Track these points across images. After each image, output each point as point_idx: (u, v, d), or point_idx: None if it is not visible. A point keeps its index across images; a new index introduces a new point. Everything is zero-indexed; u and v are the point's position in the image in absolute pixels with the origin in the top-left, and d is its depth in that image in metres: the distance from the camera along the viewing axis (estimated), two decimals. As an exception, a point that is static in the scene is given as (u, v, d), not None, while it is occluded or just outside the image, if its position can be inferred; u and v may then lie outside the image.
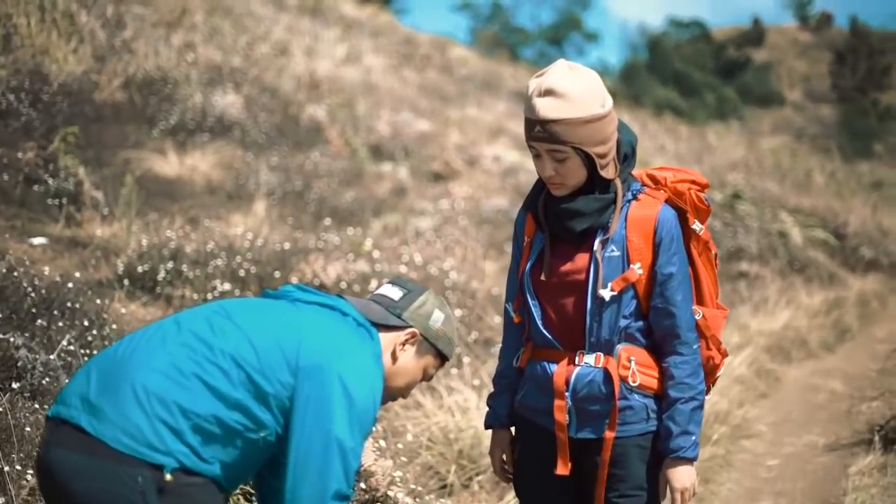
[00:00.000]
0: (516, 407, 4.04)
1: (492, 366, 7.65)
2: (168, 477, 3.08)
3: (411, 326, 3.56)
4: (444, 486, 6.33)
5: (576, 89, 3.64)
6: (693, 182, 3.89)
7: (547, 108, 3.63)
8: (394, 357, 3.54)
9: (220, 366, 3.18)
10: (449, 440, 6.49)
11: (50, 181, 9.53)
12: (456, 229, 11.39)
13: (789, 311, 12.07)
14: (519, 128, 18.79)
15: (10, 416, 4.84)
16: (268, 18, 21.09)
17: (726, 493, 7.22)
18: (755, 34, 72.25)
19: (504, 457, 4.15)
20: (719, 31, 72.15)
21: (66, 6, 13.94)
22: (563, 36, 61.94)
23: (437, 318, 3.61)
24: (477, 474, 6.38)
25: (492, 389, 4.21)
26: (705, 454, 7.34)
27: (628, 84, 51.64)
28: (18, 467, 4.45)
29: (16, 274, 6.76)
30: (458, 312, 8.20)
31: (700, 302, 3.94)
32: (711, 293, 3.98)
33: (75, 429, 3.10)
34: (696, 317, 3.88)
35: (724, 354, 4.05)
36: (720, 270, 11.58)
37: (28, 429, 4.84)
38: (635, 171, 3.93)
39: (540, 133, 3.66)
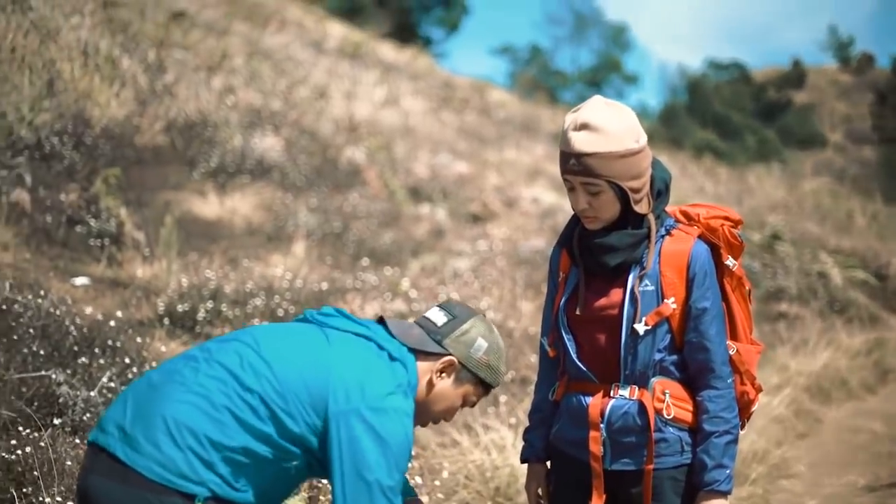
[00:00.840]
0: (552, 440, 4.07)
1: (528, 404, 7.66)
2: None
3: (450, 354, 3.56)
4: (481, 524, 6.35)
5: (611, 124, 3.68)
6: (726, 218, 3.92)
7: (582, 142, 3.66)
8: (430, 385, 3.56)
9: (248, 402, 3.23)
10: (485, 478, 6.50)
11: (92, 222, 9.66)
12: (493, 269, 11.42)
13: (829, 351, 11.98)
14: (557, 169, 18.85)
15: (51, 451, 4.89)
16: (307, 62, 21.26)
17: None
18: (795, 76, 72.14)
19: (539, 491, 4.16)
20: (759, 73, 72.07)
21: (109, 51, 14.13)
22: (603, 78, 62.10)
23: (480, 346, 3.61)
24: (516, 511, 6.39)
25: (528, 424, 4.25)
26: (743, 493, 7.30)
27: (668, 126, 51.69)
28: (59, 499, 4.51)
29: (58, 312, 6.85)
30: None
31: (734, 337, 3.96)
32: (745, 328, 4.00)
33: (111, 457, 3.16)
34: (730, 352, 3.90)
35: (759, 389, 4.05)
36: (759, 309, 11.53)
37: (69, 463, 4.91)
38: (668, 208, 3.97)
39: (575, 166, 3.69)
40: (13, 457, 4.90)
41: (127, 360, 6.43)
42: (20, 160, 10.28)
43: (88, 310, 7.25)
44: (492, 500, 6.42)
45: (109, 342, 6.69)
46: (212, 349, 3.37)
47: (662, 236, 3.85)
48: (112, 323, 6.96)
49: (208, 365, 3.30)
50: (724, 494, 3.80)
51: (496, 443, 6.80)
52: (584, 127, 3.67)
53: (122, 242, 9.71)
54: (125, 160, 11.78)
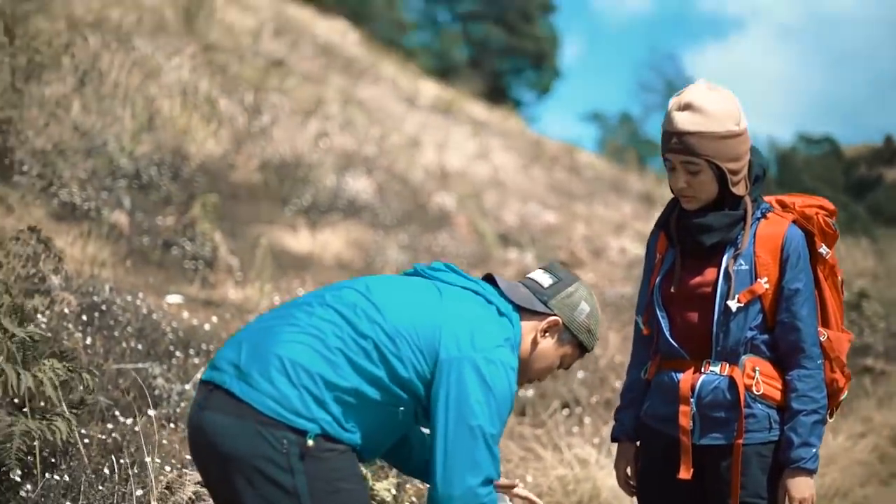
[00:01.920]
0: (642, 417, 4.15)
1: (611, 427, 7.73)
2: (310, 442, 3.20)
3: (555, 315, 3.63)
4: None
5: (713, 105, 3.80)
6: (821, 207, 4.01)
7: (684, 121, 3.78)
8: (534, 343, 3.62)
9: (361, 345, 3.31)
10: (567, 491, 6.56)
11: (187, 245, 9.89)
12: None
13: (916, 406, 11.84)
14: (645, 226, 18.90)
15: (153, 433, 5.03)
16: (400, 114, 21.55)
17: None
18: (887, 152, 71.11)
19: (628, 470, 4.25)
20: (850, 149, 71.17)
21: (208, 92, 14.51)
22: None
23: (583, 309, 3.66)
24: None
25: (619, 404, 4.34)
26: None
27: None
28: (158, 460, 4.64)
29: (154, 316, 7.05)
30: (580, 374, 8.33)
31: (825, 324, 4.02)
32: (837, 317, 4.05)
33: (226, 393, 3.25)
34: (821, 338, 3.96)
35: (848, 378, 4.10)
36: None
37: (164, 442, 5.07)
38: (765, 198, 4.07)
39: (676, 145, 3.82)
40: (109, 439, 5.04)
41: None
42: (120, 183, 10.59)
43: (185, 314, 7.43)
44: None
45: (203, 345, 6.87)
46: (325, 295, 3.47)
47: (758, 219, 3.94)
48: (207, 327, 7.14)
49: (322, 309, 3.39)
50: (810, 472, 3.85)
51: (579, 458, 6.86)
52: (687, 107, 3.80)
53: (216, 266, 9.92)
54: (219, 194, 12.02)
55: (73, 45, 11.51)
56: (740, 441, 3.88)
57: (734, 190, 3.87)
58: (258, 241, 11.02)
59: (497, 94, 41.88)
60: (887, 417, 11.13)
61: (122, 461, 4.56)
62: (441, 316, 3.42)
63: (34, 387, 4.19)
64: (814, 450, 3.85)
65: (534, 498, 3.84)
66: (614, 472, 5.95)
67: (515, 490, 3.81)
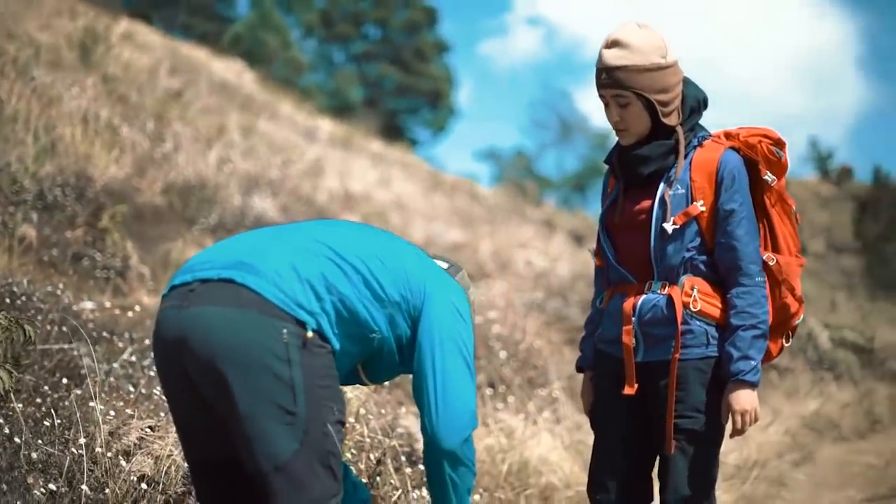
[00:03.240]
0: (595, 343, 4.35)
1: (535, 403, 7.86)
2: (310, 334, 3.27)
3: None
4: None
5: (638, 40, 4.00)
6: (765, 136, 4.17)
7: (611, 57, 4.00)
8: None
9: (353, 265, 3.45)
10: (495, 461, 6.63)
11: (97, 256, 9.81)
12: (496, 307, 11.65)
13: (820, 400, 12.17)
14: (547, 242, 19.13)
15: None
16: (300, 145, 21.58)
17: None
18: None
19: (592, 397, 4.40)
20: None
21: (109, 120, 14.42)
22: (587, 183, 62.55)
23: (471, 291, 3.92)
24: (525, 490, 6.50)
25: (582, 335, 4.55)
26: (746, 489, 7.44)
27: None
28: (102, 406, 4.62)
29: (75, 308, 7.02)
30: (503, 354, 8.53)
31: (776, 250, 4.18)
32: (788, 243, 4.21)
33: (222, 284, 3.28)
34: (770, 263, 4.13)
35: (800, 301, 4.25)
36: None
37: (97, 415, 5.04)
38: (713, 131, 4.25)
39: (605, 80, 4.03)
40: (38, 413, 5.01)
41: (147, 342, 6.59)
42: (27, 199, 10.49)
43: (107, 304, 7.41)
44: (504, 481, 6.54)
45: (126, 333, 6.86)
46: (299, 225, 3.66)
47: (694, 147, 4.13)
48: (130, 314, 7.13)
49: (302, 235, 3.52)
50: (751, 385, 4.00)
51: (506, 430, 6.96)
52: (614, 44, 4.01)
53: (128, 276, 9.85)
54: (125, 216, 11.95)
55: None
56: (677, 356, 4.01)
57: (665, 121, 4.07)
58: (168, 255, 10.99)
59: (394, 133, 42.09)
60: (795, 407, 11.45)
61: (62, 407, 4.54)
62: (404, 254, 3.65)
63: (-26, 334, 4.17)
64: (753, 363, 3.99)
65: None
66: (540, 443, 6.09)
67: None
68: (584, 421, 7.44)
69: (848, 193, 69.21)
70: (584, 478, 6.60)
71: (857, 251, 61.05)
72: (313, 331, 3.29)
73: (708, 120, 4.25)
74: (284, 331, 3.23)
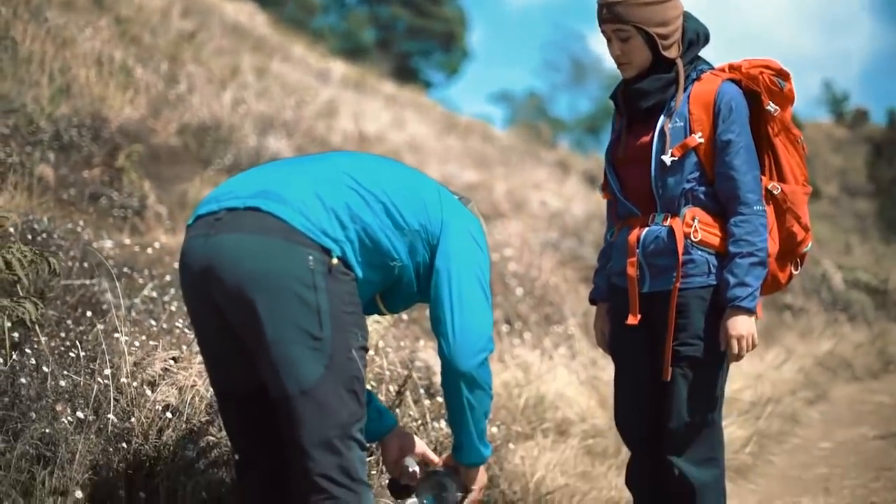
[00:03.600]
0: (608, 276, 4.41)
1: (551, 339, 7.93)
2: (334, 260, 3.32)
3: None
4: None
5: None
6: (766, 66, 4.22)
7: None
8: None
9: (376, 195, 3.49)
10: (512, 395, 6.71)
11: (115, 195, 9.87)
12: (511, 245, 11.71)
13: (834, 340, 12.21)
14: (561, 184, 19.14)
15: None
16: (313, 86, 21.56)
17: (781, 464, 7.36)
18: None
19: (605, 329, 4.50)
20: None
21: (123, 61, 14.42)
22: (601, 125, 62.33)
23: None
24: (542, 424, 6.58)
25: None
26: (761, 425, 7.51)
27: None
28: (127, 336, 4.69)
29: (94, 245, 7.09)
30: (519, 291, 8.62)
31: (781, 179, 4.25)
32: (794, 173, 4.28)
33: (249, 212, 3.33)
34: (775, 192, 4.19)
35: (806, 229, 4.32)
36: (764, 301, 11.72)
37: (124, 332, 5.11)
38: (718, 65, 4.30)
39: (606, 15, 4.11)
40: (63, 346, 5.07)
41: (168, 278, 6.65)
42: (43, 139, 10.53)
43: (126, 241, 7.47)
44: (521, 415, 6.62)
45: (146, 270, 6.93)
46: (319, 156, 3.72)
47: (693, 80, 4.20)
48: (150, 251, 7.20)
49: (338, 160, 3.61)
50: (748, 311, 4.06)
51: (522, 365, 7.04)
52: None
53: (145, 215, 9.91)
54: (141, 157, 12.01)
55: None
56: (678, 284, 4.10)
57: (665, 54, 4.14)
58: (185, 195, 11.04)
59: (406, 75, 41.95)
60: (809, 347, 11.51)
61: (86, 339, 4.61)
62: (421, 185, 3.68)
63: (3, 265, 4.22)
64: (750, 289, 4.05)
65: (430, 455, 4.00)
66: (556, 378, 6.16)
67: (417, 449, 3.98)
68: (600, 356, 7.51)
69: (862, 136, 68.95)
70: (599, 411, 6.74)
71: (871, 194, 61.01)
72: (338, 258, 3.33)
73: (721, 62, 4.29)
74: (310, 258, 3.27)
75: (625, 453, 6.30)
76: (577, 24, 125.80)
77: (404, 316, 6.93)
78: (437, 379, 5.95)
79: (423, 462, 3.95)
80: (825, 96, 77.75)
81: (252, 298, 3.24)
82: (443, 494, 3.84)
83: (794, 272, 4.39)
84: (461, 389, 3.58)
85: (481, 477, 3.90)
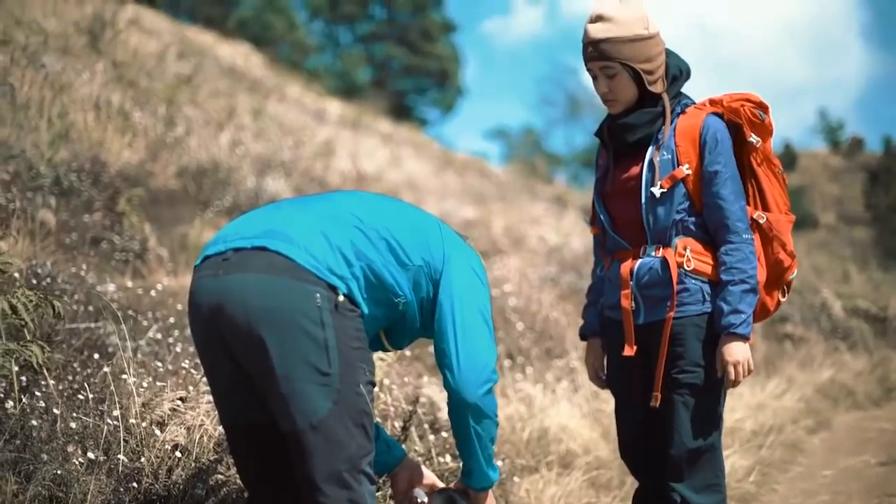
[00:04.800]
0: (602, 310, 4.49)
1: (553, 373, 7.98)
2: (341, 297, 3.39)
3: None
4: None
5: (621, 14, 4.20)
6: (746, 99, 4.36)
7: (596, 31, 4.20)
8: None
9: (380, 233, 3.57)
10: (515, 429, 6.75)
11: (116, 239, 9.92)
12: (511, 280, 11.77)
13: (834, 368, 12.23)
14: (559, 218, 19.21)
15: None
16: (310, 126, 21.68)
17: (785, 492, 7.38)
18: (787, 159, 72.57)
19: (596, 364, 4.59)
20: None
21: (121, 105, 14.52)
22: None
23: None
24: (546, 457, 6.62)
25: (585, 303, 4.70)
26: (763, 454, 7.54)
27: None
28: (134, 377, 4.71)
29: (98, 289, 7.13)
30: (520, 326, 8.66)
31: (765, 208, 4.36)
32: (777, 202, 4.40)
33: (256, 251, 3.40)
34: (760, 220, 4.30)
35: (793, 256, 4.42)
36: (764, 331, 11.69)
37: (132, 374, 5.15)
38: (699, 99, 4.42)
39: (592, 53, 4.24)
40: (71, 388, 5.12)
41: (171, 320, 6.69)
42: (44, 185, 10.60)
43: (128, 283, 7.51)
44: (525, 449, 6.66)
45: (150, 312, 6.97)
46: (321, 196, 3.78)
47: (678, 114, 4.32)
48: (153, 293, 7.24)
49: (340, 199, 3.69)
50: (742, 338, 4.16)
51: (525, 399, 7.09)
52: (598, 19, 4.21)
53: (147, 258, 9.96)
54: (140, 200, 12.06)
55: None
56: (671, 314, 4.19)
57: (651, 89, 4.26)
58: (185, 237, 11.10)
59: (402, 113, 42.14)
60: (809, 376, 11.52)
61: (94, 381, 4.65)
62: (422, 222, 3.76)
63: (9, 310, 4.27)
64: (743, 316, 4.16)
65: (439, 484, 4.08)
66: (559, 412, 6.22)
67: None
68: (601, 389, 7.56)
69: (858, 164, 69.09)
70: (603, 444, 6.78)
71: (868, 222, 61.01)
72: (344, 295, 3.40)
73: (714, 91, 4.39)
74: (318, 295, 3.34)
75: (629, 484, 6.36)
76: (569, 58, 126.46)
77: (407, 352, 6.98)
78: (442, 414, 6.02)
79: (432, 492, 4.00)
80: (820, 125, 77.97)
81: (261, 335, 3.30)
82: None
83: (782, 299, 4.49)
84: (468, 419, 3.65)
85: (490, 502, 3.97)
